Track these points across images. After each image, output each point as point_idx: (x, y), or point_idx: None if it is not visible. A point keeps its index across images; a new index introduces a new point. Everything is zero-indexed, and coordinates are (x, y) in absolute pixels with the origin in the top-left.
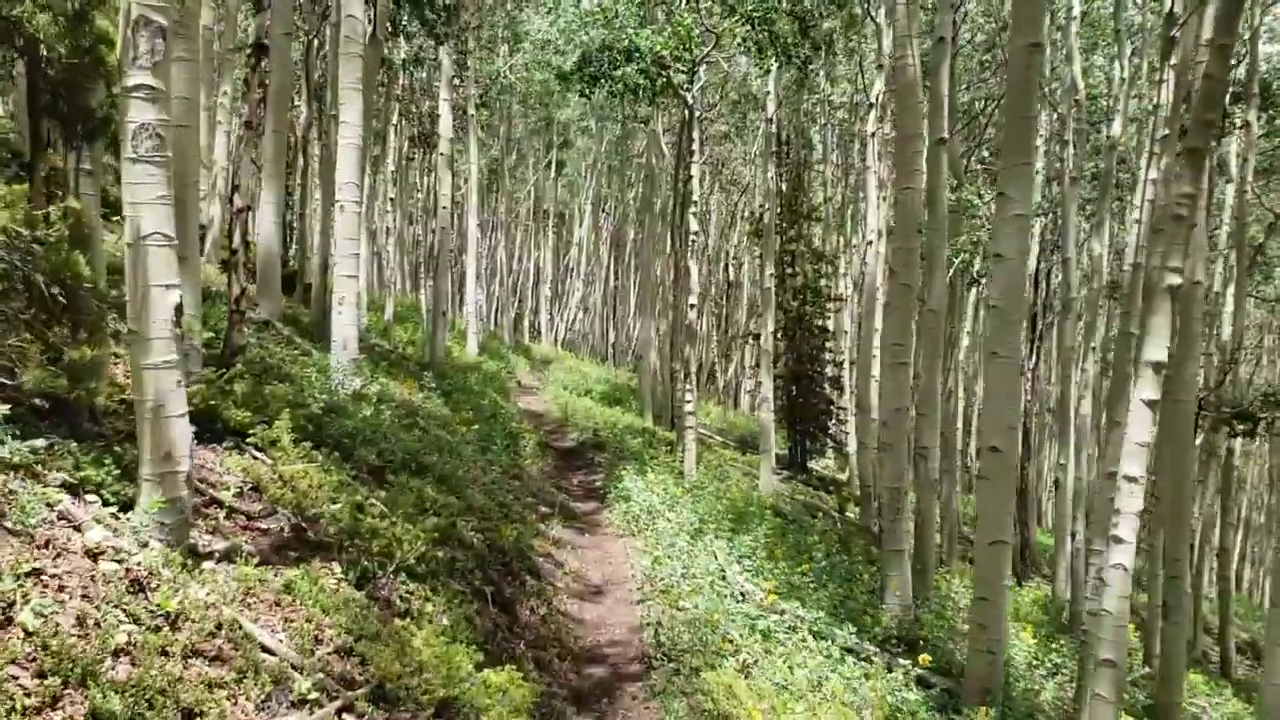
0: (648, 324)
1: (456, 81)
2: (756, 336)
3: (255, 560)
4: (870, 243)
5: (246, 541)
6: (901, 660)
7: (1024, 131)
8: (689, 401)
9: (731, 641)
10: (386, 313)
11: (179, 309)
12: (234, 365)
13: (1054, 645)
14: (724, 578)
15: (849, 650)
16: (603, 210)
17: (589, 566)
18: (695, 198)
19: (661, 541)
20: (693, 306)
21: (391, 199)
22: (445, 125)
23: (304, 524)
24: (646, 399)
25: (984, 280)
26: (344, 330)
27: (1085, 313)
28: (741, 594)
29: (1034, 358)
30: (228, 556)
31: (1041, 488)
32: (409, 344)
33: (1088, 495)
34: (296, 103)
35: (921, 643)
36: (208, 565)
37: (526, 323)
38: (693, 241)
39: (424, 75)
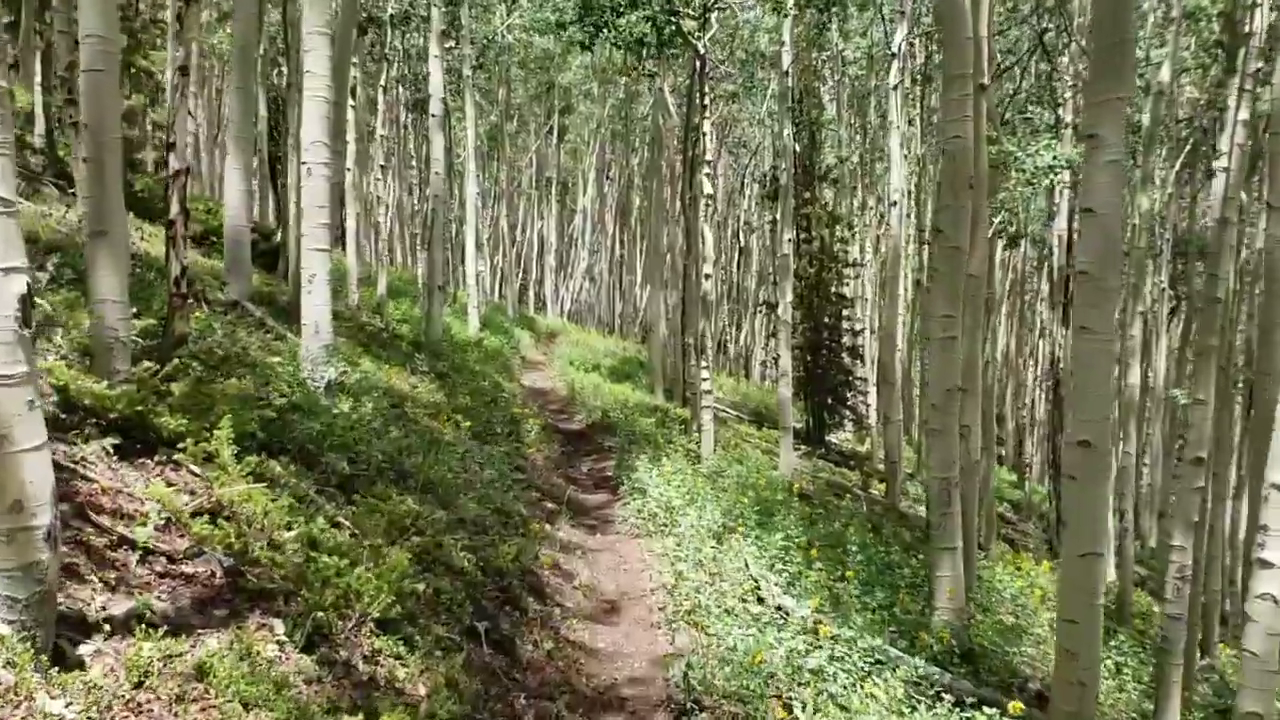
0: (656, 295)
1: (450, 42)
2: (771, 306)
3: (164, 628)
4: (894, 203)
5: (161, 595)
6: (968, 685)
7: (1119, 57)
8: (705, 379)
9: (777, 687)
10: (380, 287)
11: (26, 300)
12: (175, 359)
13: (1111, 641)
14: (758, 590)
15: (914, 683)
16: (607, 177)
17: (601, 575)
18: (709, 158)
19: (683, 544)
20: (707, 277)
21: (382, 165)
22: (435, 84)
23: (241, 566)
24: (657, 374)
25: (1023, 243)
26: (315, 312)
27: (1133, 275)
28: (780, 612)
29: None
30: (127, 624)
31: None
32: (404, 321)
33: (1134, 474)
34: (281, 66)
35: (977, 651)
36: (85, 649)
37: (531, 294)
38: (706, 205)
39: (419, 41)
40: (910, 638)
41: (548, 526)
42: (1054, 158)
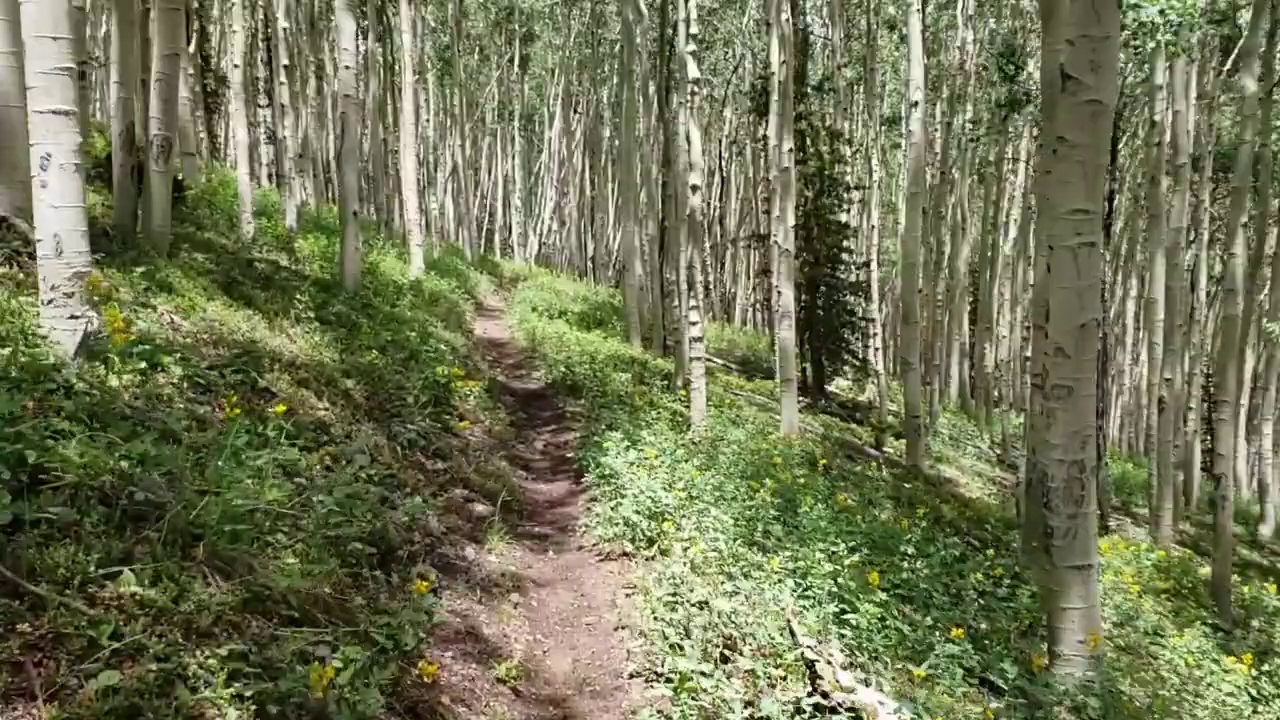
0: (630, 228)
1: None
2: (760, 237)
3: None
4: (915, 103)
5: None
6: None
7: None
8: (695, 324)
9: None
10: (288, 218)
11: None
12: None
13: (1265, 669)
14: (811, 671)
15: None
16: (574, 111)
17: (549, 638)
18: (694, 29)
19: (674, 576)
20: (694, 189)
21: (286, 66)
22: None
23: None
24: (633, 319)
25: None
26: (55, 220)
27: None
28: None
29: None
30: None
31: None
32: (321, 260)
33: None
34: None
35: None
36: None
37: (497, 238)
38: (692, 95)
39: None
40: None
41: (468, 550)
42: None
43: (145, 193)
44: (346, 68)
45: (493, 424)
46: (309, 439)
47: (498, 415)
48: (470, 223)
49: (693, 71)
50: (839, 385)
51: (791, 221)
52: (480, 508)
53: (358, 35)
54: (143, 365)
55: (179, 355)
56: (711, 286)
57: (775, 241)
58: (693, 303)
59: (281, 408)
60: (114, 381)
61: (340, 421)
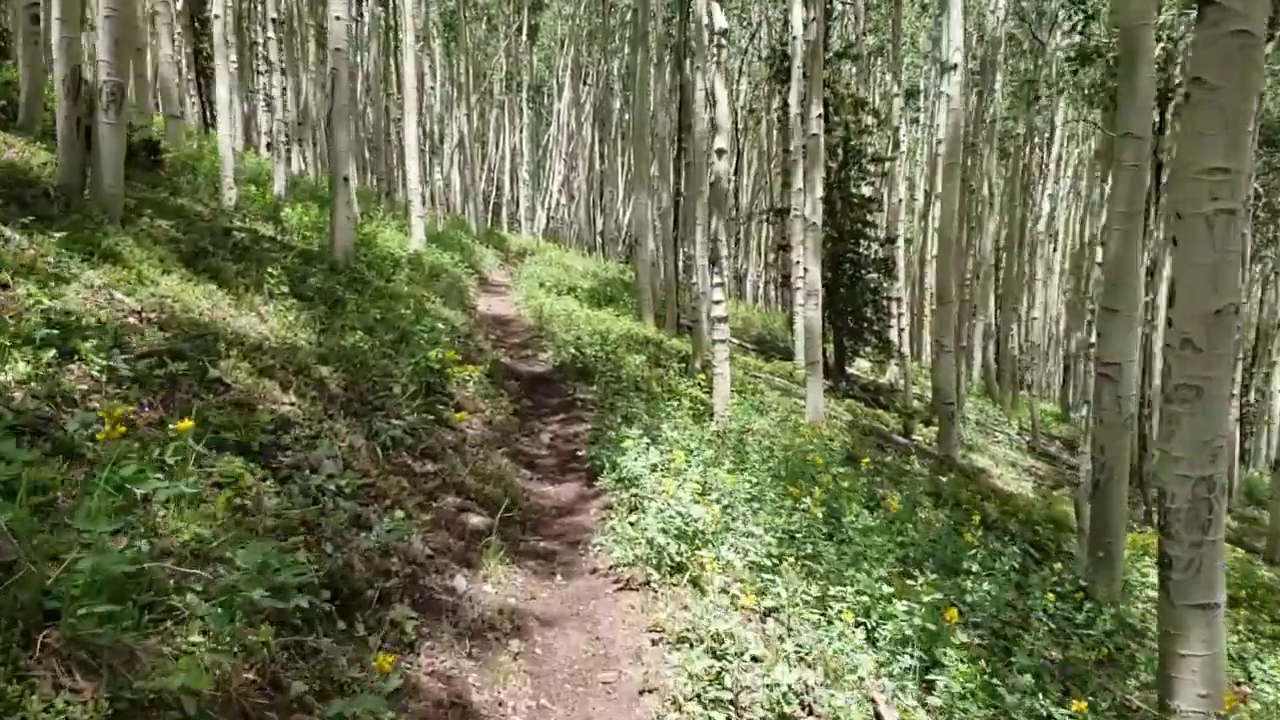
0: (643, 200)
1: None
2: (780, 211)
3: None
4: (953, 66)
5: None
6: None
7: None
8: (718, 302)
9: None
10: (277, 184)
11: None
12: None
13: None
14: None
15: None
16: (584, 83)
17: (555, 703)
18: None
19: (714, 623)
20: (720, 153)
21: (275, 19)
22: None
23: None
24: (645, 297)
25: None
26: None
27: None
28: None
29: None
30: None
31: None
32: (312, 229)
33: None
34: None
35: None
36: None
37: (505, 212)
38: (719, 48)
39: None
40: None
41: (458, 579)
42: None
43: (94, 148)
44: (337, 18)
45: (494, 414)
46: (263, 444)
47: (500, 403)
48: (476, 195)
49: (719, 20)
50: (859, 367)
51: (819, 193)
52: (476, 519)
53: None
54: (50, 354)
55: (108, 340)
56: (726, 262)
57: (800, 214)
58: (716, 279)
59: (186, 425)
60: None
61: (310, 419)
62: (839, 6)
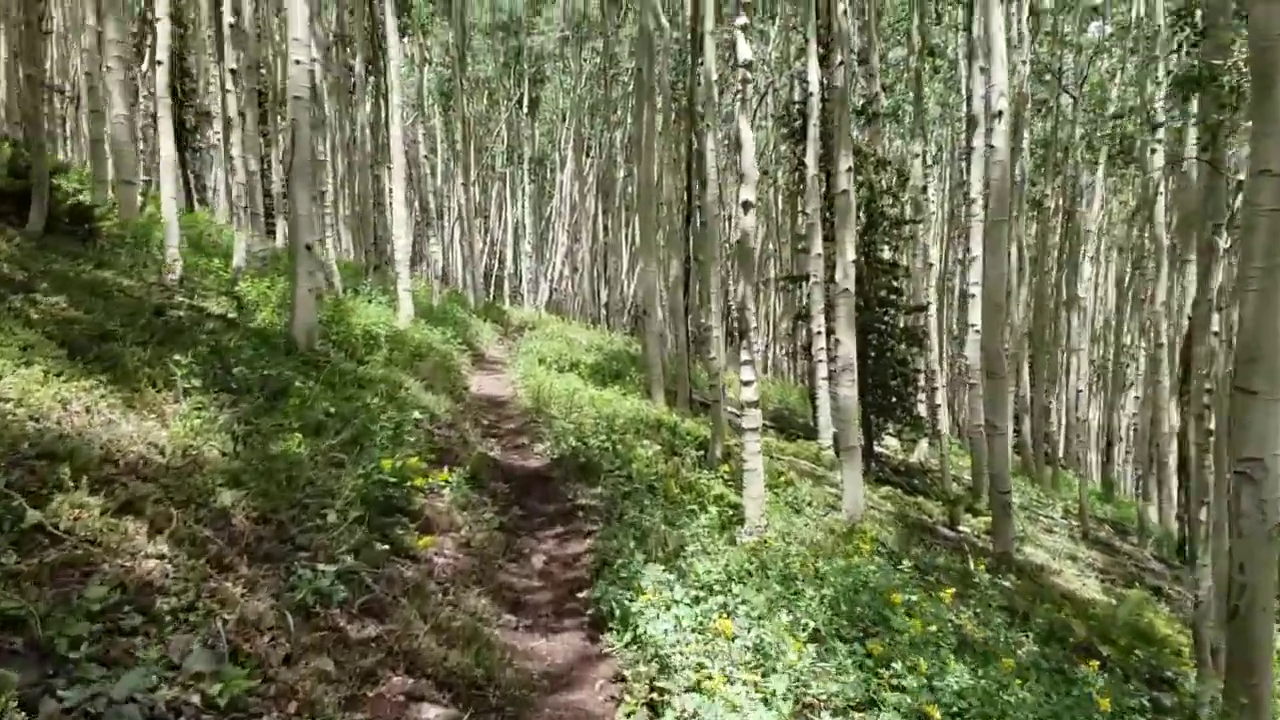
0: (650, 268)
1: None
2: (795, 278)
3: None
4: (998, 113)
5: None
6: None
7: None
8: (748, 383)
9: None
10: (236, 256)
11: None
12: None
13: None
14: None
15: None
16: (586, 154)
17: None
18: None
19: None
20: (748, 206)
21: (233, 71)
22: None
23: None
24: (655, 372)
25: None
26: None
27: None
28: None
29: None
30: None
31: None
32: (275, 307)
33: None
34: None
35: None
36: None
37: (507, 285)
38: (744, 83)
39: None
40: None
41: None
42: None
43: None
44: (297, 62)
45: (473, 532)
46: (77, 639)
47: (482, 515)
48: (475, 268)
49: (743, 52)
50: (886, 444)
51: (851, 255)
52: (432, 714)
53: (313, 21)
54: None
55: None
56: (734, 332)
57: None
58: (745, 355)
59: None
60: None
61: (186, 578)
62: (853, 62)
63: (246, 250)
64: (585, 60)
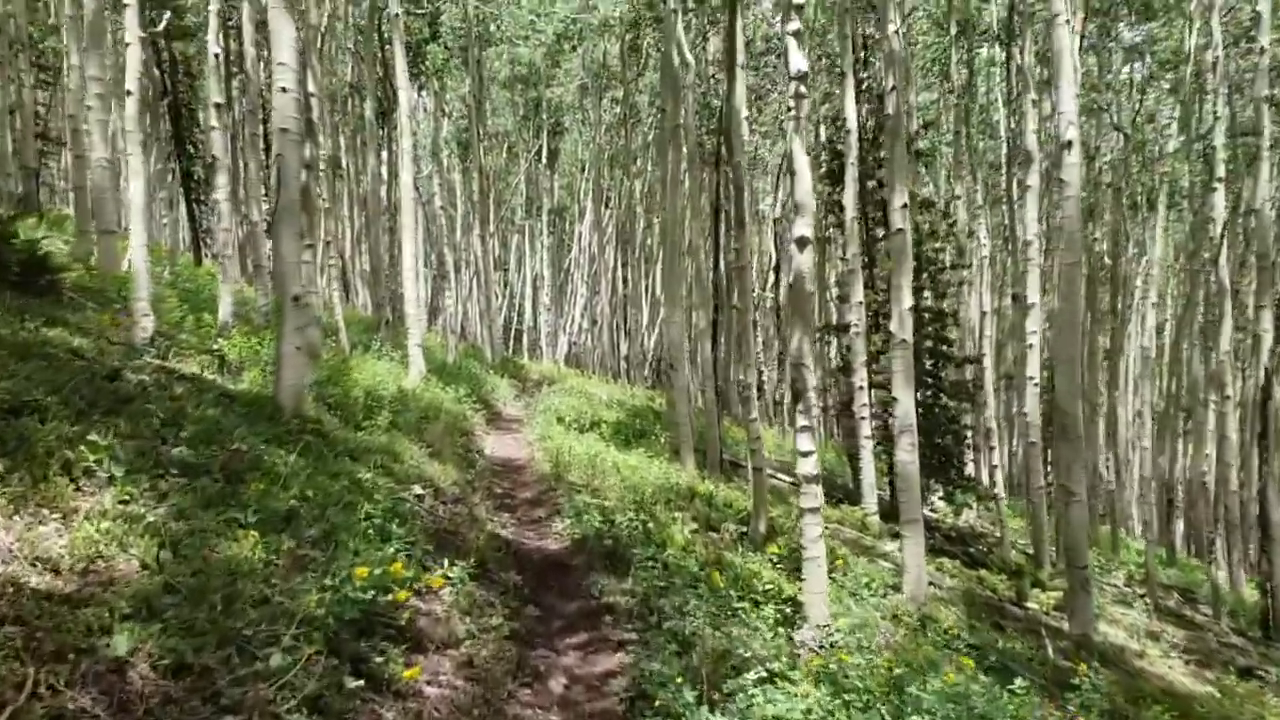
0: (676, 318)
1: None
2: (839, 328)
3: None
4: (1067, 143)
5: None
6: None
7: None
8: (806, 454)
9: None
10: (222, 310)
11: None
12: None
13: None
14: None
15: None
16: (605, 206)
17: None
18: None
19: None
20: (803, 243)
21: (217, 104)
22: None
23: None
24: (684, 431)
25: None
26: None
27: None
28: None
29: None
30: None
31: None
32: (265, 367)
33: None
34: None
35: None
36: None
37: (526, 339)
38: (798, 99)
39: None
40: None
41: None
42: None
43: None
44: (284, 89)
45: (478, 646)
46: None
47: (489, 622)
48: (492, 321)
49: (798, 62)
50: (934, 507)
51: (908, 303)
52: None
53: (299, 46)
54: None
55: None
56: (765, 385)
57: (858, 330)
58: (803, 420)
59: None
60: None
61: None
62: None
63: (233, 303)
64: (605, 110)
